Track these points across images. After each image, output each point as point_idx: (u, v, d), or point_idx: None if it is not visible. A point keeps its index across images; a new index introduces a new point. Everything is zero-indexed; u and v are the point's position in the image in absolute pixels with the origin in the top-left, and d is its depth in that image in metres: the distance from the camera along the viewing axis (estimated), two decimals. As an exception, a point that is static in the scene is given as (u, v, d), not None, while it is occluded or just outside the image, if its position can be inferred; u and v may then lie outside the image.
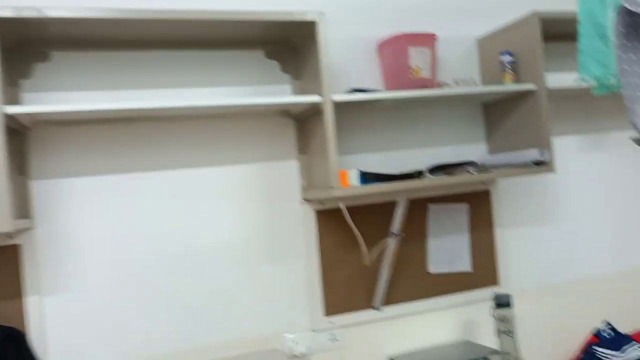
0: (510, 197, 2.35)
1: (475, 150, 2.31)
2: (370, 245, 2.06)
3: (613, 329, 2.42)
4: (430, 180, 1.88)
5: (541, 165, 1.99)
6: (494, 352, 2.03)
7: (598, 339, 2.38)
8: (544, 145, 1.99)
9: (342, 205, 1.83)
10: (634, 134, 1.41)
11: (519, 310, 2.31)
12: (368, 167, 2.15)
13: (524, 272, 2.36)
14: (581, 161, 2.48)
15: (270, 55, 2.05)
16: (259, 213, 2.02)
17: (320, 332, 2.05)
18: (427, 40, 2.04)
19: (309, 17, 1.75)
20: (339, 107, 2.03)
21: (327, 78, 1.77)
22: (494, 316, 2.09)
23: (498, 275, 2.29)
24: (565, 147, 2.45)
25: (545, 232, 2.40)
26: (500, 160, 2.12)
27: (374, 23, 2.19)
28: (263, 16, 1.73)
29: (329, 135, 1.75)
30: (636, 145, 1.41)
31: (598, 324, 2.44)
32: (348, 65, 2.15)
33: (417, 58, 2.03)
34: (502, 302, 2.07)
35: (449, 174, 1.98)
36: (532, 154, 1.98)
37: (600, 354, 2.24)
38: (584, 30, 1.62)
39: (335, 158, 1.75)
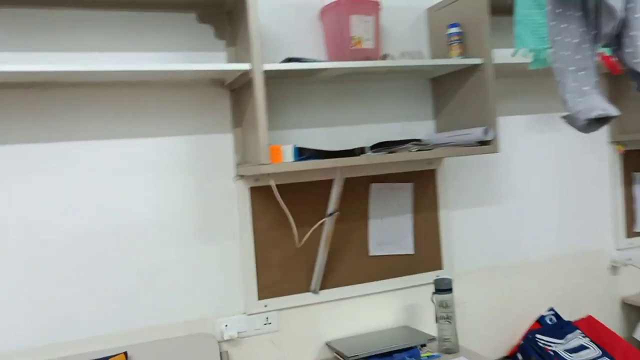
0: (457, 176, 2.26)
1: (423, 128, 2.21)
2: (306, 225, 1.95)
3: (557, 316, 2.38)
4: (369, 158, 1.77)
5: (485, 144, 1.90)
6: (432, 339, 1.96)
7: (541, 325, 2.34)
8: (489, 123, 1.90)
9: (272, 183, 1.71)
10: (566, 113, 1.30)
11: (463, 294, 2.25)
12: (310, 143, 2.03)
13: (468, 254, 2.28)
14: (530, 141, 2.40)
15: (203, 18, 1.90)
16: (190, 189, 1.89)
17: (254, 315, 1.95)
18: (370, 7, 1.92)
19: (238, -23, 1.61)
20: (276, 78, 1.91)
21: (257, 44, 1.63)
22: (433, 301, 2.02)
23: (442, 258, 2.21)
24: (515, 126, 2.37)
25: (492, 213, 2.33)
26: (446, 138, 2.03)
27: (318, -11, 2.05)
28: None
29: (259, 106, 1.62)
30: (568, 125, 1.31)
31: (544, 308, 2.39)
32: (291, 34, 2.01)
33: (359, 27, 1.90)
34: (442, 287, 2.00)
35: (391, 151, 1.87)
36: (476, 132, 1.88)
37: (542, 341, 2.19)
38: (520, -2, 1.51)
39: (265, 131, 1.62)
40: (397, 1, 2.17)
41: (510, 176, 2.36)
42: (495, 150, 1.90)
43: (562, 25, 1.18)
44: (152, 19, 1.85)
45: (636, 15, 1.07)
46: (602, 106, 1.16)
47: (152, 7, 1.84)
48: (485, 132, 1.88)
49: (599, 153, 2.53)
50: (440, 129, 2.18)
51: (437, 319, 2.00)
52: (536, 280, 2.40)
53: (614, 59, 2.08)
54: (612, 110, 1.17)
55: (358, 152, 1.97)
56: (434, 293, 2.01)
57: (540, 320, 2.35)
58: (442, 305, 2.00)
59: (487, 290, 2.30)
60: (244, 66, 1.64)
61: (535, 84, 2.41)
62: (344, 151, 1.95)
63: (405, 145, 1.86)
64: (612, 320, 2.53)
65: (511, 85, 2.35)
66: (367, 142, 2.10)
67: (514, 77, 2.36)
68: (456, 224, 2.26)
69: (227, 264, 1.93)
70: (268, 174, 1.67)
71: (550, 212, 2.44)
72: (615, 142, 2.53)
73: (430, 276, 2.18)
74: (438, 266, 2.21)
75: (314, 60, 1.76)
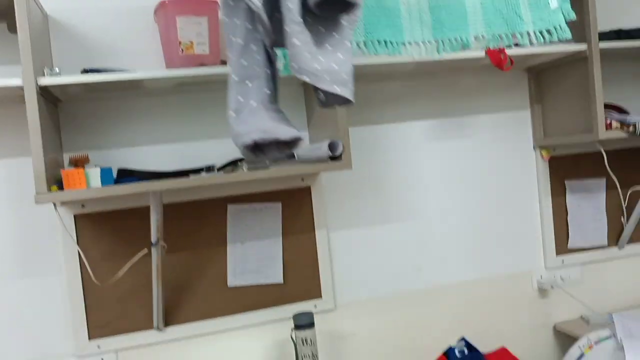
0: (341, 193, 1.99)
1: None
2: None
3: (469, 346, 2.07)
4: (193, 181, 1.52)
5: (337, 159, 1.63)
6: (284, 384, 1.71)
7: (447, 358, 2.04)
8: (340, 135, 1.62)
9: (58, 215, 1.49)
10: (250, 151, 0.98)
11: (350, 326, 1.97)
12: (154, 162, 1.80)
13: (357, 281, 2.01)
14: (434, 149, 2.09)
15: (14, 28, 1.69)
16: (6, 219, 1.69)
17: (85, 358, 1.73)
18: (203, 7, 1.67)
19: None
20: (100, 91, 1.69)
21: (27, 55, 1.41)
22: (292, 339, 1.76)
23: (320, 286, 1.94)
24: (412, 133, 2.07)
25: (386, 234, 2.04)
26: (310, 152, 1.77)
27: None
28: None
29: (32, 129, 1.40)
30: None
31: (452, 341, 2.09)
32: (127, 42, 1.79)
33: (189, 30, 1.65)
34: (302, 323, 1.74)
35: (230, 170, 1.62)
36: (324, 147, 1.61)
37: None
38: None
39: (40, 158, 1.40)
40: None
41: (409, 191, 2.07)
42: (346, 167, 1.63)
43: (234, 20, 0.89)
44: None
45: (288, 4, 0.78)
46: (264, 127, 0.86)
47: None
48: (333, 146, 1.60)
49: (523, 160, 2.20)
50: (313, 140, 1.92)
51: (298, 358, 1.75)
52: (445, 309, 2.09)
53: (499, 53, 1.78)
54: (281, 133, 0.87)
55: (206, 170, 1.73)
56: (293, 329, 1.75)
57: (448, 352, 2.05)
58: (303, 343, 1.74)
59: (382, 322, 2.02)
60: (15, 81, 1.42)
61: (440, 84, 2.10)
62: (176, 172, 1.71)
63: (230, 166, 1.61)
64: (543, 350, 2.20)
65: (408, 87, 2.06)
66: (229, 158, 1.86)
67: (404, 80, 2.06)
68: (340, 247, 1.99)
69: (52, 302, 1.72)
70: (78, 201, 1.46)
71: (462, 231, 2.13)
72: (540, 147, 2.19)
73: (307, 306, 1.92)
74: (316, 295, 1.94)
75: (110, 71, 1.52)
